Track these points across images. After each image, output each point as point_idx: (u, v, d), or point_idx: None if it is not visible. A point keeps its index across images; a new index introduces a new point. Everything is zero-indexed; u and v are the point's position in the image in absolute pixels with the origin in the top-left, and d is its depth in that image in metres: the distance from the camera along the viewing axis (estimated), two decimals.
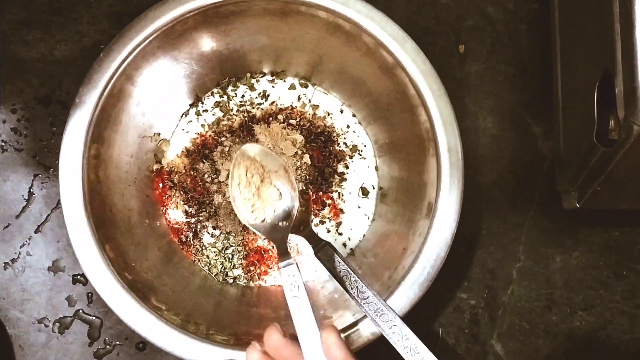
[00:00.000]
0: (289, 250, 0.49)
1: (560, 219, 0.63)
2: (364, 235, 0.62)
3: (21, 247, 0.62)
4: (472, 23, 0.67)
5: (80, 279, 0.61)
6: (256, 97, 0.64)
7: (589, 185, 0.54)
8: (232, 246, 0.61)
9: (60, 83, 0.65)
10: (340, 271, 0.53)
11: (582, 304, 0.62)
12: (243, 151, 0.52)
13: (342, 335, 0.51)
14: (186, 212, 0.61)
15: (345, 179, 0.63)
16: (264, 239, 0.60)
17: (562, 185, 0.60)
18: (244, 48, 0.62)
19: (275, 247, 0.51)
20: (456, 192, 0.54)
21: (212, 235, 0.61)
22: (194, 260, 0.61)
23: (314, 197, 0.62)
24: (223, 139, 0.62)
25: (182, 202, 0.61)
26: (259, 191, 0.52)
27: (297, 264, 0.47)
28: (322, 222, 0.62)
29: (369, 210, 0.63)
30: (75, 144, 0.54)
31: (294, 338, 0.44)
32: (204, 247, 0.61)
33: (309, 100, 0.64)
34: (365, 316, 0.52)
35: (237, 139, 0.62)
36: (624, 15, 0.46)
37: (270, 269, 0.61)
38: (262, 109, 0.64)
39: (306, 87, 0.65)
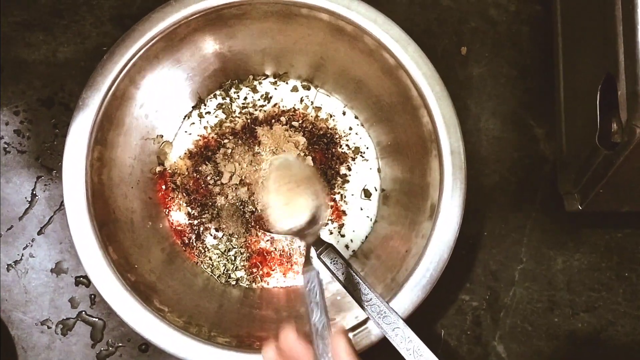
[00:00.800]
0: (310, 258, 0.50)
1: (562, 221, 0.63)
2: (367, 237, 0.62)
3: (24, 248, 0.62)
4: (474, 25, 0.67)
5: (83, 280, 0.61)
6: (259, 99, 0.64)
7: (591, 188, 0.54)
8: (234, 248, 0.61)
9: (63, 85, 0.65)
10: (342, 273, 0.53)
11: (584, 305, 0.62)
12: (273, 162, 0.53)
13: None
14: (189, 214, 0.61)
15: (348, 181, 0.63)
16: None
17: (564, 188, 0.60)
18: (246, 50, 0.62)
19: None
20: (459, 194, 0.54)
21: (214, 237, 0.61)
22: (197, 262, 0.61)
23: None
24: (226, 141, 0.63)
25: (184, 204, 0.62)
26: (290, 199, 0.52)
27: (318, 271, 0.48)
28: (324, 224, 0.62)
29: (372, 212, 0.63)
30: (79, 146, 0.54)
31: (307, 338, 0.45)
32: (206, 249, 0.61)
33: (312, 102, 0.65)
34: (368, 318, 0.52)
35: (239, 141, 0.62)
36: (627, 18, 0.46)
37: (273, 270, 0.61)
38: (265, 111, 0.64)
39: (308, 89, 0.65)
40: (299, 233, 0.50)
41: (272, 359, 0.44)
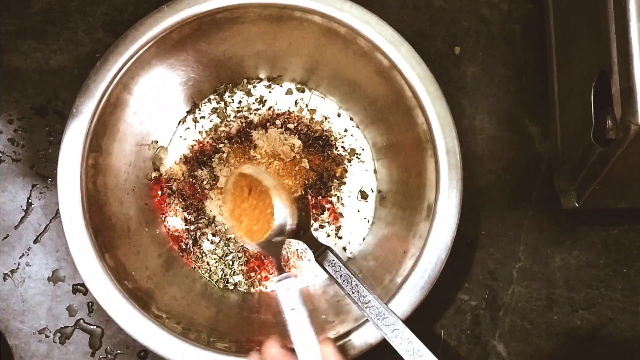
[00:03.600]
0: (282, 265, 0.50)
1: (559, 219, 0.63)
2: (364, 238, 0.62)
3: (20, 257, 0.62)
4: (467, 25, 0.67)
5: (81, 288, 0.61)
6: (253, 103, 0.64)
7: (587, 185, 0.54)
8: (232, 252, 0.61)
9: (57, 93, 0.65)
10: (341, 275, 0.53)
11: (582, 302, 0.62)
12: (236, 172, 0.52)
13: (345, 338, 0.51)
14: (185, 219, 0.61)
15: (344, 183, 0.63)
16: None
17: (560, 185, 0.60)
18: (240, 54, 0.62)
19: (273, 264, 0.51)
20: (455, 193, 0.54)
21: (211, 242, 0.61)
22: (194, 268, 0.61)
23: (313, 201, 0.62)
24: (221, 145, 0.62)
25: (181, 210, 0.61)
26: (254, 209, 0.51)
27: (293, 277, 0.47)
28: (321, 227, 0.62)
29: (369, 213, 0.63)
30: (73, 153, 0.54)
31: (292, 351, 0.45)
32: (204, 254, 0.61)
33: (306, 105, 0.65)
34: (367, 320, 0.52)
35: (235, 145, 0.62)
36: (619, 14, 0.46)
37: (271, 274, 0.61)
38: (260, 115, 0.64)
39: (303, 91, 0.65)
40: (265, 245, 0.50)
41: None
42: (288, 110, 0.64)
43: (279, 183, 0.52)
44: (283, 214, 0.48)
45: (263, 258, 0.61)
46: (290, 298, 0.45)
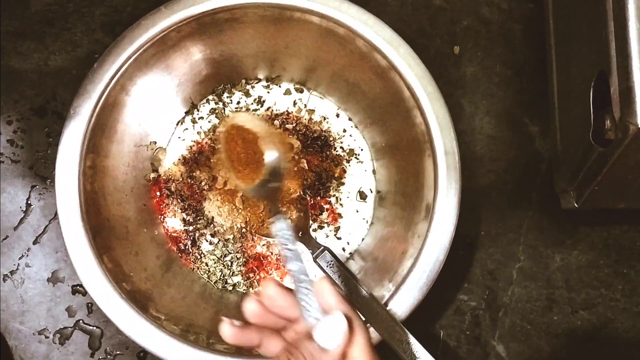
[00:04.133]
0: (278, 208, 0.49)
1: (559, 219, 0.63)
2: (363, 239, 0.62)
3: (20, 258, 0.62)
4: (467, 24, 0.67)
5: (80, 289, 0.61)
6: (252, 103, 0.64)
7: (586, 185, 0.54)
8: (230, 253, 0.61)
9: (55, 94, 0.65)
10: (339, 276, 0.53)
11: (583, 303, 0.62)
12: (228, 122, 0.51)
13: None
14: (184, 220, 0.61)
15: (343, 183, 0.63)
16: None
17: (559, 186, 0.60)
18: (238, 55, 0.62)
19: (267, 207, 0.50)
20: (454, 193, 0.54)
21: (210, 243, 0.61)
22: (193, 269, 0.61)
23: (312, 202, 0.62)
24: (219, 146, 0.62)
25: (179, 210, 0.61)
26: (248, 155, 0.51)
27: (288, 219, 0.46)
28: (320, 227, 0.62)
29: (367, 214, 0.62)
30: (71, 154, 0.54)
31: (289, 290, 0.45)
32: (202, 255, 0.61)
33: (305, 105, 0.64)
34: (365, 321, 0.52)
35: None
36: (618, 14, 0.45)
37: (270, 275, 0.61)
38: (258, 115, 0.64)
39: (301, 92, 0.65)
40: (260, 190, 0.49)
41: (254, 311, 0.43)
42: (287, 111, 0.64)
43: (269, 129, 0.51)
44: (273, 156, 0.48)
45: (262, 259, 0.61)
46: (285, 238, 0.45)
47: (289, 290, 0.43)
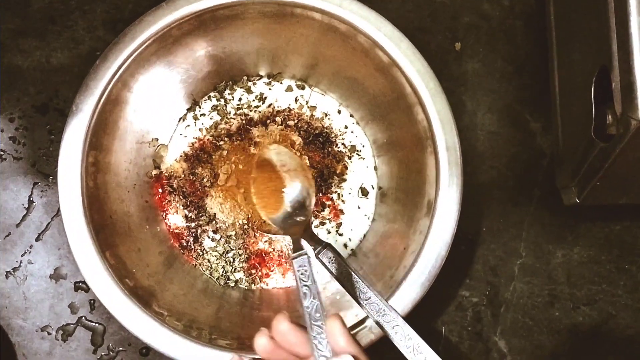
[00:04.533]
0: (301, 244, 0.49)
1: (561, 215, 0.63)
2: (365, 235, 0.62)
3: (22, 255, 0.62)
4: (468, 20, 0.67)
5: (82, 286, 0.61)
6: (253, 100, 0.64)
7: (588, 181, 0.54)
8: (232, 249, 0.61)
9: (57, 91, 0.65)
10: (341, 272, 0.53)
11: (584, 299, 0.62)
12: (262, 155, 0.53)
13: None
14: (186, 216, 0.61)
15: (345, 180, 0.63)
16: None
17: (561, 181, 0.60)
18: (240, 51, 0.62)
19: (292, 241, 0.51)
20: (455, 189, 0.54)
21: (212, 239, 0.61)
22: (195, 265, 0.61)
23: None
24: (221, 142, 0.62)
25: (181, 207, 0.61)
26: (276, 187, 0.52)
27: (309, 256, 0.47)
28: (322, 224, 0.62)
29: (369, 210, 0.62)
30: (73, 151, 0.54)
31: (302, 327, 0.45)
32: (204, 252, 0.61)
33: (307, 102, 0.64)
34: (367, 317, 0.52)
35: (235, 142, 0.62)
36: (619, 9, 0.45)
37: (272, 271, 0.61)
38: (260, 112, 0.64)
39: (303, 88, 0.65)
40: (284, 223, 0.49)
41: (265, 347, 0.43)
42: (288, 107, 0.64)
43: (300, 162, 0.52)
44: (298, 189, 0.48)
45: (264, 256, 0.61)
46: (306, 275, 0.45)
47: (301, 326, 0.44)
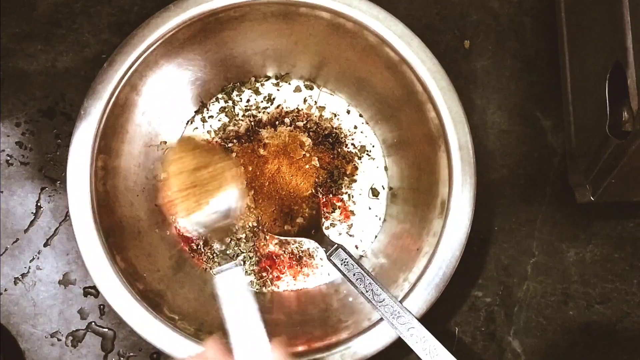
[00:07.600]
0: (227, 253, 0.48)
1: (573, 213, 0.62)
2: (376, 236, 0.61)
3: (31, 261, 0.61)
4: (477, 18, 0.66)
5: (92, 291, 0.61)
6: (262, 101, 0.64)
7: (603, 178, 0.53)
8: (243, 252, 0.60)
9: (64, 95, 0.64)
10: (354, 274, 0.53)
11: (598, 297, 0.61)
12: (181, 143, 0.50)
13: (359, 337, 0.51)
14: None
15: (355, 180, 0.62)
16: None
17: (574, 179, 0.59)
18: (247, 52, 0.61)
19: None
20: (469, 189, 0.53)
21: (222, 243, 0.60)
22: (205, 269, 0.60)
23: (324, 200, 0.61)
24: (230, 144, 0.62)
25: None
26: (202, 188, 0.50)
27: (239, 267, 0.45)
28: (332, 225, 0.61)
29: (380, 211, 0.62)
30: (82, 155, 0.54)
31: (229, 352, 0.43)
32: (215, 255, 0.60)
33: (315, 102, 0.64)
34: (381, 319, 0.51)
35: (244, 144, 0.62)
36: (634, 2, 0.45)
37: (283, 274, 0.60)
38: (268, 113, 0.63)
39: (311, 88, 0.64)
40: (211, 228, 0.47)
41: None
42: (297, 108, 0.64)
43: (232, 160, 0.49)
44: (227, 195, 0.46)
45: (275, 258, 0.60)
46: (233, 291, 0.43)
47: (229, 351, 0.42)
